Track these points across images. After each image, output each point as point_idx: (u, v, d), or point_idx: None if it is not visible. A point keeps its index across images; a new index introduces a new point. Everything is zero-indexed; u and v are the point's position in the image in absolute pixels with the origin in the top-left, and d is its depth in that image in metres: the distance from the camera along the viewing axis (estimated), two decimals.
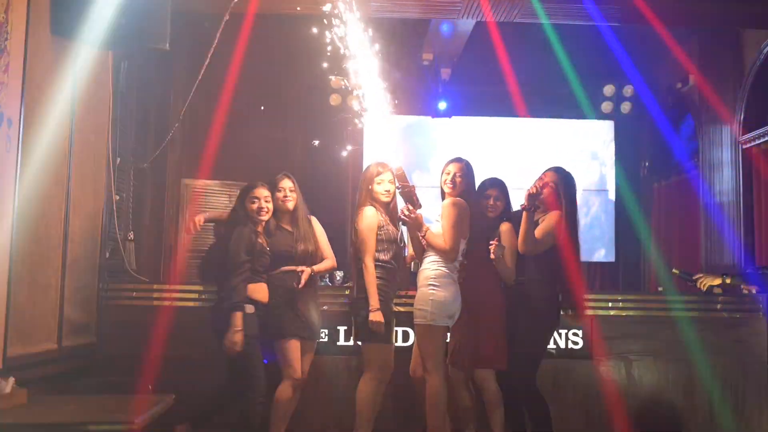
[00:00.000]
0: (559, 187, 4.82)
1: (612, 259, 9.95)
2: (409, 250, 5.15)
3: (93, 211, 5.24)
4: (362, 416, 4.76)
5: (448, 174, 4.89)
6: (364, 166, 5.20)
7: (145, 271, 6.59)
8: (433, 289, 4.70)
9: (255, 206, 4.87)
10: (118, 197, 5.71)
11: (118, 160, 5.70)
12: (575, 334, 5.70)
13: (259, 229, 4.84)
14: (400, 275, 5.05)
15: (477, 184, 5.03)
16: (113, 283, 5.60)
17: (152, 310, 5.39)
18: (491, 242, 4.67)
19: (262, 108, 8.61)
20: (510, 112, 9.32)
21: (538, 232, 4.70)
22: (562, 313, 4.94)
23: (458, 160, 4.94)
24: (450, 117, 9.61)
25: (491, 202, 4.91)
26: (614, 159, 9.93)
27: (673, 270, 6.48)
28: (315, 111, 9.18)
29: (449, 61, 9.25)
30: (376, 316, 4.69)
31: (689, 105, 8.79)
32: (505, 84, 8.65)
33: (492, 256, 4.65)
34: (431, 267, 4.78)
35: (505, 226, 4.86)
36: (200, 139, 7.94)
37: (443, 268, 4.75)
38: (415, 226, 4.74)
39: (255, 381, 4.71)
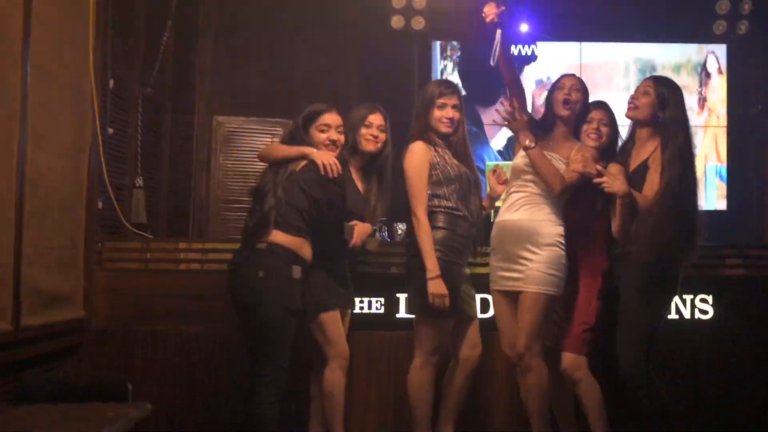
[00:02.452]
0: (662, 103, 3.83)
1: (723, 207, 8.73)
2: (488, 189, 4.13)
3: (74, 147, 4.11)
4: (418, 412, 3.90)
5: (590, 122, 3.93)
6: None
7: (163, 228, 5.46)
8: (564, 250, 3.79)
9: (325, 135, 3.76)
10: (112, 131, 4.50)
11: (111, 82, 4.49)
12: (704, 301, 4.57)
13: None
14: (475, 227, 3.99)
15: None
16: (111, 240, 4.54)
17: (163, 274, 4.52)
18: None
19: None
20: (600, 35, 8.55)
21: (651, 186, 3.74)
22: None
23: (602, 106, 3.99)
24: (534, 42, 8.46)
25: (595, 125, 3.92)
26: (726, 92, 8.73)
27: None
28: (372, 37, 7.94)
29: None
30: (435, 286, 3.71)
31: None
32: (596, 4, 7.84)
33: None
34: (555, 218, 3.83)
35: (614, 168, 3.81)
36: (236, 67, 7.10)
37: (563, 224, 3.85)
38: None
39: (279, 373, 3.59)
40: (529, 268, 3.74)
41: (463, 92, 3.93)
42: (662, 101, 3.77)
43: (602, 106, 3.98)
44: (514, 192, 3.90)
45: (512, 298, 3.83)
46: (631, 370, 3.71)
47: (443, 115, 3.86)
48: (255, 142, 6.70)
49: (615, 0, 7.85)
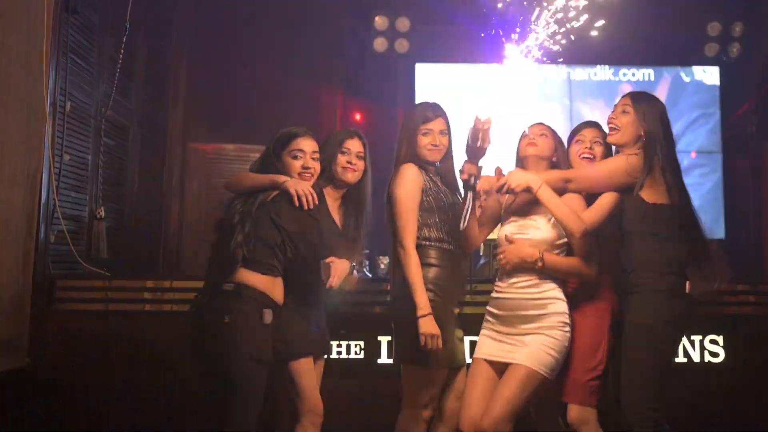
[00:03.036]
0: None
1: (721, 235, 8.33)
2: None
3: (24, 175, 3.80)
4: None
5: (581, 141, 3.59)
6: None
7: (126, 264, 5.15)
8: (569, 330, 3.35)
9: (299, 163, 3.37)
10: (68, 158, 4.13)
11: (69, 105, 4.11)
12: (714, 342, 4.27)
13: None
14: (465, 262, 3.67)
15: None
16: (66, 278, 4.15)
17: (126, 316, 4.19)
18: None
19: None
20: (593, 59, 8.29)
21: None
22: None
23: (594, 124, 3.67)
24: (520, 64, 7.88)
25: (587, 144, 3.56)
26: (719, 114, 8.54)
27: None
28: (354, 59, 7.74)
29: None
30: (426, 325, 3.30)
31: None
32: (585, 27, 7.18)
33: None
34: (558, 293, 3.39)
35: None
36: (212, 92, 6.83)
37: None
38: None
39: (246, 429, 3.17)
40: (528, 342, 3.34)
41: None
42: (643, 117, 3.41)
43: (593, 124, 3.65)
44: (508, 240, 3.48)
45: (497, 370, 3.39)
46: (639, 417, 3.31)
47: (429, 141, 3.51)
48: (232, 169, 6.34)
49: (605, 26, 7.60)
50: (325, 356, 3.68)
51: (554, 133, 3.59)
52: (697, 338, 4.27)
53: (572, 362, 3.42)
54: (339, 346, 4.11)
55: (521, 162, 3.57)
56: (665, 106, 3.51)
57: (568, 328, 3.35)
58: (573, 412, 3.43)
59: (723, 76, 8.49)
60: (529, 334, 3.33)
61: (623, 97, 3.50)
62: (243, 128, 6.65)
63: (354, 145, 3.56)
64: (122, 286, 4.22)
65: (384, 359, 4.12)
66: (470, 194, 3.37)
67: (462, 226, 3.43)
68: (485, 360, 3.41)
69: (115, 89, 4.89)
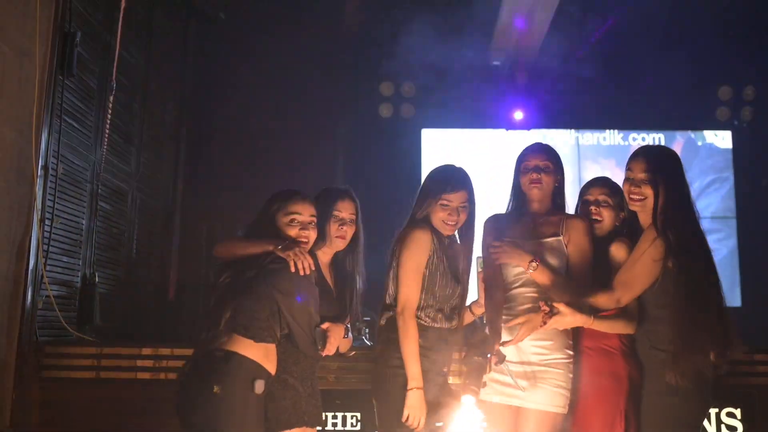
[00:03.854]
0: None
1: (737, 303, 8.27)
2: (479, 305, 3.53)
3: (8, 239, 3.68)
4: None
5: (591, 197, 3.46)
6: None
7: (124, 334, 5.00)
8: (572, 360, 3.27)
9: (294, 231, 3.21)
10: (60, 220, 4.12)
11: (61, 168, 4.05)
12: (731, 415, 4.06)
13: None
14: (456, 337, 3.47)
15: None
16: (54, 344, 4.02)
17: (108, 384, 4.00)
18: None
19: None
20: (600, 123, 8.43)
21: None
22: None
23: (601, 182, 3.52)
24: (528, 129, 8.30)
25: (594, 209, 3.42)
26: (733, 178, 8.57)
27: None
28: (361, 125, 7.79)
29: (525, 62, 8.08)
30: (414, 398, 3.21)
31: None
32: (594, 90, 7.75)
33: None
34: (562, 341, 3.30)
35: (618, 248, 3.33)
36: (213, 157, 6.84)
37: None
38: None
39: None
40: (535, 383, 3.22)
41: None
42: (665, 185, 3.23)
43: (600, 182, 3.49)
44: (519, 296, 3.36)
45: (509, 414, 3.28)
46: None
47: (446, 215, 3.37)
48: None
49: (614, 90, 7.58)
50: (318, 428, 3.53)
51: (556, 159, 3.44)
52: (713, 411, 4.05)
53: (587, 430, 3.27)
54: (335, 417, 3.94)
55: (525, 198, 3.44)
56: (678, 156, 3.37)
57: (570, 361, 3.24)
58: None
59: (736, 139, 8.51)
60: (537, 369, 3.24)
61: (639, 160, 3.28)
62: (244, 193, 6.59)
63: (345, 208, 3.42)
64: (115, 353, 4.06)
65: None
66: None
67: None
68: (493, 403, 3.31)
69: (114, 154, 4.85)
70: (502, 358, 3.19)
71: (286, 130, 7.00)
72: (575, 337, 3.30)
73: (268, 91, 6.92)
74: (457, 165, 3.52)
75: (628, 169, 3.28)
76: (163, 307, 6.11)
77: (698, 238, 3.22)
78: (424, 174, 6.70)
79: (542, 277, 3.21)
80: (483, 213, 3.48)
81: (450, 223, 3.37)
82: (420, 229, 3.37)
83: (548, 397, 3.18)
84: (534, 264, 3.20)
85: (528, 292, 3.30)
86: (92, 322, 4.51)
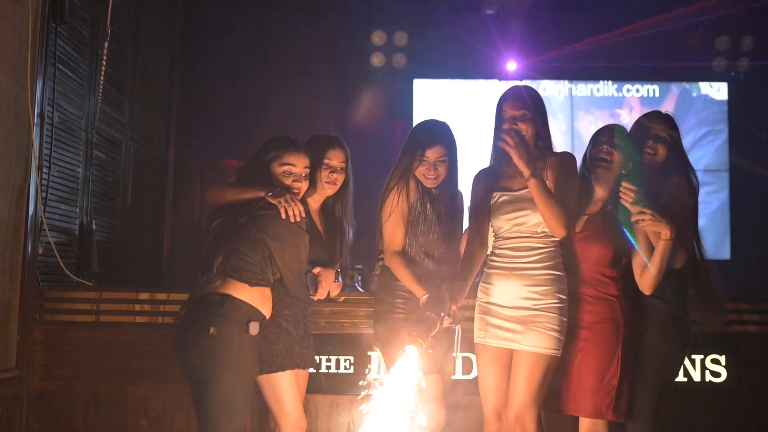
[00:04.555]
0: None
1: (726, 256, 8.35)
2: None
3: (9, 186, 3.72)
4: None
5: (599, 144, 3.42)
6: None
7: (115, 277, 5.08)
8: (566, 304, 3.30)
9: (288, 180, 3.26)
10: (56, 169, 4.16)
11: (56, 116, 4.08)
12: (715, 362, 4.12)
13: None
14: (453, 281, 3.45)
15: None
16: (55, 289, 4.09)
17: (117, 328, 4.06)
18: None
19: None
20: (595, 74, 8.33)
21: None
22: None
23: (612, 128, 3.48)
24: (521, 80, 8.15)
25: (605, 149, 3.37)
26: (727, 131, 8.52)
27: None
28: (353, 75, 7.69)
29: (519, 11, 7.98)
30: (428, 303, 3.25)
31: None
32: (588, 40, 7.63)
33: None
34: (555, 266, 3.33)
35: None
36: (207, 109, 6.86)
37: (563, 267, 3.36)
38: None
39: None
40: (528, 325, 3.28)
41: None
42: (676, 143, 3.44)
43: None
44: (507, 238, 3.40)
45: (505, 356, 3.35)
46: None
47: (425, 170, 3.43)
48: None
49: (610, 40, 7.55)
50: (312, 370, 3.63)
51: (532, 105, 3.36)
52: (698, 357, 4.10)
53: (584, 375, 3.33)
54: (329, 360, 4.00)
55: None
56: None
57: (564, 304, 3.28)
58: (583, 426, 3.35)
59: (731, 91, 8.45)
60: (530, 313, 3.29)
61: (659, 121, 3.44)
62: (237, 143, 6.62)
63: (336, 156, 3.46)
64: (114, 297, 4.11)
65: (375, 374, 3.98)
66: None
67: (455, 355, 3.42)
68: (487, 347, 3.38)
69: (108, 103, 4.83)
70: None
71: (277, 78, 6.99)
72: (574, 285, 3.36)
73: (260, 40, 6.92)
74: (443, 118, 3.58)
75: (650, 126, 3.41)
76: (158, 253, 6.17)
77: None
78: (416, 122, 6.75)
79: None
80: (476, 164, 3.52)
81: (429, 177, 3.43)
82: (402, 179, 3.45)
83: (541, 339, 3.23)
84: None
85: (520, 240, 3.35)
86: (90, 268, 4.55)
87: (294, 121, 6.66)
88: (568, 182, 3.30)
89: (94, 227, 4.66)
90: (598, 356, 3.31)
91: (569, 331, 3.33)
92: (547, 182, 3.26)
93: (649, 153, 3.41)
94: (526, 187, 3.26)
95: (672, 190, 3.35)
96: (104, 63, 4.55)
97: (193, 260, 5.90)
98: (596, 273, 3.34)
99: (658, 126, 3.45)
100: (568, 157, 3.37)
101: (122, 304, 4.08)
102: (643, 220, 3.11)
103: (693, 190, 3.40)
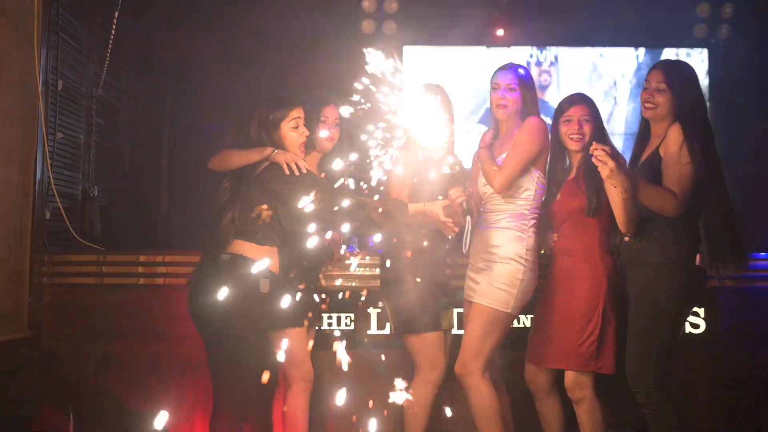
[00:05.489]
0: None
1: None
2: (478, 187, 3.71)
3: (18, 153, 3.81)
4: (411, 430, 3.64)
5: (570, 121, 3.60)
6: None
7: (119, 241, 5.13)
8: (525, 267, 3.47)
9: (296, 135, 3.36)
10: (62, 136, 4.17)
11: (60, 83, 4.16)
12: (695, 314, 4.26)
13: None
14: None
15: None
16: (62, 253, 4.19)
17: (117, 289, 4.18)
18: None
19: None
20: (582, 40, 8.27)
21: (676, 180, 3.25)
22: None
23: (579, 101, 3.65)
24: (509, 47, 8.17)
25: (575, 126, 3.56)
26: (708, 96, 8.35)
27: None
28: (343, 42, 7.59)
29: None
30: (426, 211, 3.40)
31: None
32: (575, 7, 7.57)
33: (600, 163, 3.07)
34: (521, 230, 3.51)
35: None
36: (201, 75, 6.78)
37: (534, 235, 3.53)
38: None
39: (244, 396, 3.22)
40: (482, 279, 3.49)
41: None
42: (679, 93, 3.37)
43: (580, 100, 3.62)
44: (486, 203, 3.63)
45: (467, 308, 3.61)
46: (642, 387, 3.31)
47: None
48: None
49: (592, 6, 7.52)
50: (318, 327, 3.79)
51: (521, 80, 3.59)
52: None
53: (566, 329, 3.47)
54: (330, 318, 4.13)
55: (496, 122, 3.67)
56: (695, 73, 3.48)
57: (521, 262, 3.44)
58: (569, 378, 3.50)
59: (712, 57, 8.41)
60: (484, 271, 3.48)
61: (656, 71, 3.44)
62: (229, 111, 6.67)
63: (331, 113, 3.64)
64: (115, 260, 4.21)
65: (374, 330, 4.15)
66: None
67: (464, 250, 3.48)
68: (465, 300, 3.60)
69: (106, 69, 4.87)
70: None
71: (268, 46, 7.01)
72: (558, 244, 3.55)
73: (252, 7, 6.92)
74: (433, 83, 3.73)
75: (646, 80, 3.44)
76: (157, 215, 6.28)
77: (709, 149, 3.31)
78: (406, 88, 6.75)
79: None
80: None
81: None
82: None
83: (489, 293, 3.43)
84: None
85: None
86: (93, 232, 4.66)
87: (285, 88, 6.68)
88: (518, 141, 3.51)
89: (96, 193, 4.75)
90: (578, 310, 3.45)
91: (550, 287, 3.53)
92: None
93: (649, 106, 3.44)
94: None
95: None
96: (113, 34, 4.59)
97: (190, 221, 6.03)
98: (576, 227, 3.50)
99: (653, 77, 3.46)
100: (530, 120, 3.54)
101: (123, 266, 4.19)
102: (604, 164, 3.04)
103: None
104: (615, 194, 3.19)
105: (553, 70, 8.42)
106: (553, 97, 8.18)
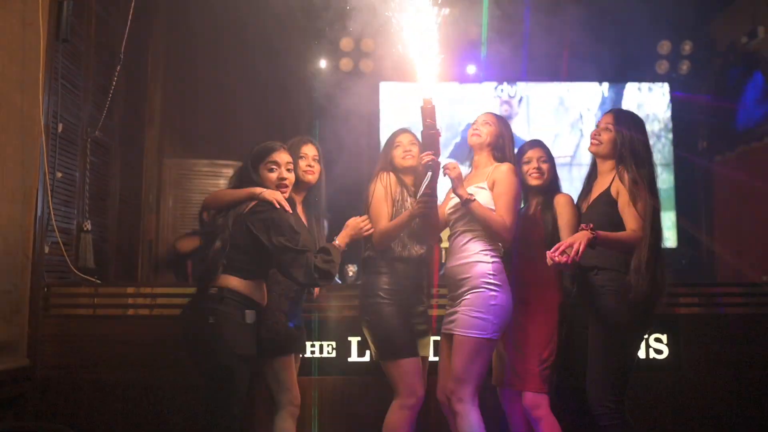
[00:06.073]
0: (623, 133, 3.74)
1: (673, 244, 8.69)
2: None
3: (21, 191, 4.06)
4: None
5: (529, 161, 3.95)
6: (382, 142, 4.18)
7: (112, 273, 5.31)
8: (496, 291, 3.62)
9: (275, 175, 3.61)
10: (60, 175, 4.42)
11: (60, 126, 4.42)
12: (658, 340, 4.53)
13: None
14: (423, 269, 3.92)
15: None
16: (58, 285, 4.42)
17: (112, 321, 4.42)
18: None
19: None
20: (550, 75, 8.65)
21: (631, 219, 3.56)
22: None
23: (536, 144, 4.03)
24: (480, 83, 8.59)
25: (534, 164, 3.92)
26: (671, 128, 8.88)
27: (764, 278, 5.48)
28: (322, 79, 7.97)
29: (478, 16, 7.97)
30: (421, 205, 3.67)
31: (758, 62, 7.63)
32: (544, 43, 7.84)
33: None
34: (484, 256, 3.68)
35: (562, 198, 3.86)
36: (186, 111, 7.13)
37: (498, 259, 3.70)
38: (457, 182, 3.60)
39: (232, 421, 3.40)
40: (458, 311, 3.67)
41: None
42: (623, 137, 3.69)
43: (538, 144, 3.99)
44: (451, 236, 3.86)
45: (449, 341, 3.75)
46: (604, 410, 3.49)
47: (401, 150, 3.88)
48: (204, 184, 6.63)
49: (560, 44, 7.84)
50: (302, 354, 4.01)
51: (499, 121, 3.89)
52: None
53: (526, 354, 3.71)
54: (313, 345, 4.35)
55: (470, 150, 3.93)
56: (642, 121, 3.79)
57: (490, 288, 3.60)
58: (527, 399, 3.71)
59: (674, 91, 8.79)
60: (459, 302, 3.65)
61: (606, 114, 3.79)
62: (216, 144, 6.92)
63: (310, 150, 3.88)
64: (107, 293, 4.45)
65: (354, 358, 4.37)
66: (429, 173, 3.57)
67: (419, 194, 3.65)
68: (442, 333, 3.77)
69: (99, 108, 5.10)
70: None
71: (252, 86, 7.24)
72: (517, 270, 3.77)
73: (235, 49, 7.13)
74: (407, 117, 4.02)
75: (598, 122, 3.80)
76: (142, 250, 6.47)
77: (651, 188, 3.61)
78: (382, 123, 7.13)
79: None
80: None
81: (406, 152, 3.86)
82: (382, 172, 3.87)
83: (466, 323, 3.58)
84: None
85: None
86: (87, 265, 4.86)
87: (268, 123, 6.97)
88: (501, 189, 3.71)
89: (90, 227, 4.99)
90: (536, 335, 3.70)
91: (514, 311, 3.68)
92: (489, 187, 3.72)
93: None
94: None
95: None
96: (114, 85, 4.86)
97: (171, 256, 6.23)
98: (533, 257, 3.73)
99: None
100: (507, 166, 3.77)
101: (114, 298, 4.42)
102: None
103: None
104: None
105: (522, 104, 8.72)
106: (522, 130, 8.51)
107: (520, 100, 8.76)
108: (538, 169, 3.90)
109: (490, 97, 8.70)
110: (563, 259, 3.25)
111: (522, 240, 3.81)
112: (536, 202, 3.93)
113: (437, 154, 3.59)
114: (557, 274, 3.77)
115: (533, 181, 3.90)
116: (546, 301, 3.78)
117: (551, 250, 3.28)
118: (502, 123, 3.91)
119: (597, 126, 3.81)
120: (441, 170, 3.58)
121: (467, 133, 3.95)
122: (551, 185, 3.94)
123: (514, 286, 3.74)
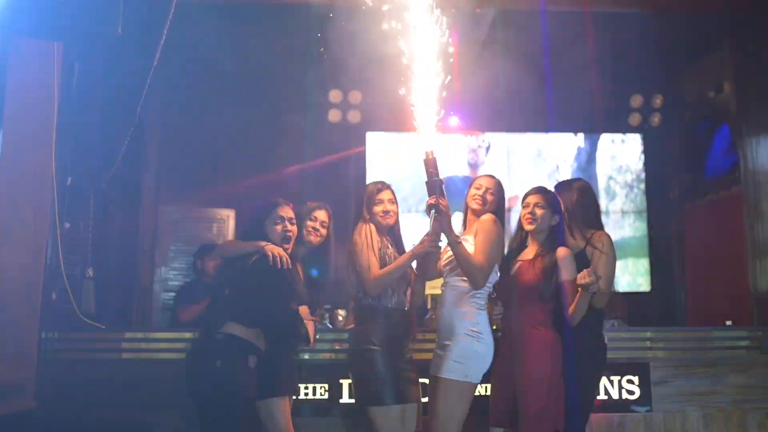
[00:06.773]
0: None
1: (647, 288, 9.00)
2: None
3: (32, 241, 4.28)
4: None
5: (479, 189, 4.15)
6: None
7: (109, 318, 5.53)
8: (479, 340, 3.89)
9: (280, 229, 3.89)
10: (68, 225, 4.66)
11: (69, 179, 4.68)
12: (630, 382, 4.80)
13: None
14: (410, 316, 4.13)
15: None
16: (63, 332, 4.62)
17: (116, 364, 4.63)
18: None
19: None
20: (528, 126, 8.95)
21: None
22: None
23: (491, 176, 4.24)
24: (465, 134, 8.89)
25: (530, 209, 4.08)
26: (644, 176, 9.19)
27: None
28: (311, 129, 8.19)
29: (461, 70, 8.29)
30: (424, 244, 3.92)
31: (725, 115, 7.96)
32: (522, 96, 8.06)
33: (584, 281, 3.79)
34: (469, 305, 3.94)
35: (562, 252, 3.99)
36: (181, 160, 7.30)
37: (484, 310, 3.97)
38: (445, 221, 3.85)
39: None
40: (443, 355, 3.89)
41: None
42: (555, 209, 4.05)
43: (538, 190, 4.12)
44: (443, 285, 4.10)
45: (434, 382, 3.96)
46: None
47: (381, 209, 4.06)
48: (201, 229, 6.86)
49: (538, 97, 7.96)
50: (296, 396, 4.25)
51: (499, 186, 4.16)
52: (616, 378, 4.77)
53: (521, 397, 3.85)
54: (306, 388, 4.56)
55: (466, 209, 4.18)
56: (578, 188, 4.21)
57: (473, 335, 3.86)
58: None
59: (646, 141, 9.11)
60: (445, 348, 3.89)
61: (533, 194, 4.07)
62: (209, 194, 7.15)
63: (320, 215, 4.16)
64: (104, 337, 4.66)
65: (345, 399, 4.57)
66: (433, 211, 3.84)
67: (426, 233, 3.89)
68: (430, 375, 3.97)
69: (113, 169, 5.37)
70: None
71: (244, 138, 7.55)
72: (512, 318, 4.00)
73: (230, 102, 7.40)
74: (393, 167, 4.25)
75: (524, 202, 4.09)
76: (138, 296, 6.70)
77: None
78: (368, 171, 7.30)
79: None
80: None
81: (385, 213, 4.06)
82: (365, 224, 4.06)
83: (449, 368, 3.83)
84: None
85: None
86: (90, 310, 5.07)
87: (258, 174, 7.22)
88: (479, 237, 3.98)
89: (92, 274, 5.20)
90: (530, 377, 3.84)
91: (505, 356, 3.92)
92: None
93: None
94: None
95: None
96: (125, 145, 5.11)
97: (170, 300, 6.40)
98: (527, 302, 3.95)
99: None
100: (487, 217, 4.06)
101: (111, 342, 4.63)
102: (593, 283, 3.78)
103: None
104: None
105: (494, 153, 8.99)
106: (503, 179, 8.76)
107: (488, 149, 9.05)
108: (532, 213, 4.03)
109: (460, 145, 8.96)
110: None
111: (518, 284, 4.00)
112: (538, 250, 4.06)
113: (442, 198, 3.84)
114: (551, 317, 3.94)
115: (526, 225, 4.05)
116: (539, 344, 3.90)
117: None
118: (501, 188, 4.18)
119: (529, 206, 4.06)
120: (449, 211, 3.83)
121: (467, 195, 4.16)
122: (552, 234, 4.06)
123: (508, 328, 3.98)
